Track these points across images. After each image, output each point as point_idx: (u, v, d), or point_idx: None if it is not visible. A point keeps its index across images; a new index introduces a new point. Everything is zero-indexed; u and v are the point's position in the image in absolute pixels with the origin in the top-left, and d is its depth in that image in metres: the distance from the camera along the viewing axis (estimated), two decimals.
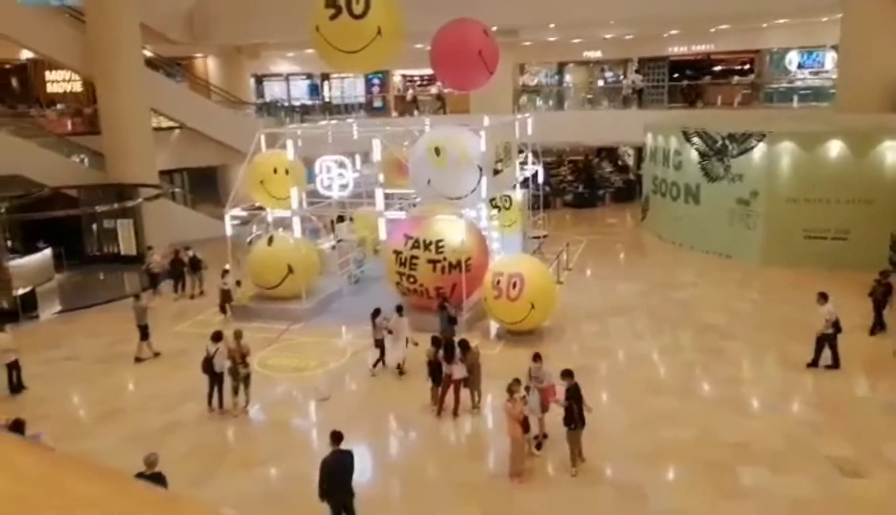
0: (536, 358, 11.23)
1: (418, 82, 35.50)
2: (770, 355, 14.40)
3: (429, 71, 34.88)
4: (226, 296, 17.25)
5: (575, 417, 10.07)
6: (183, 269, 19.96)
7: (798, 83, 28.14)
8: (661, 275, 20.25)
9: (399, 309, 14.30)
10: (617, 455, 10.77)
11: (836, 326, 13.19)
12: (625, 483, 10.09)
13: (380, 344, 14.07)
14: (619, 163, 35.18)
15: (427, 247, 15.88)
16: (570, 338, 15.70)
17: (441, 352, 12.14)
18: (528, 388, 10.64)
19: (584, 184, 31.53)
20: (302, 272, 17.41)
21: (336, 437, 8.70)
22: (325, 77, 34.98)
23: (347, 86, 35.02)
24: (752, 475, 10.07)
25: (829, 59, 28.29)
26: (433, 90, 34.74)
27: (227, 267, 17.71)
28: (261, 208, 18.54)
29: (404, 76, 34.70)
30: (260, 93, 33.71)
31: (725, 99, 29.67)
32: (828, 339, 13.29)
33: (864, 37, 20.75)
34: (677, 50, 31.63)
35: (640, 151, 32.67)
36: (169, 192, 25.92)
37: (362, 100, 33.95)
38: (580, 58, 33.69)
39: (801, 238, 20.02)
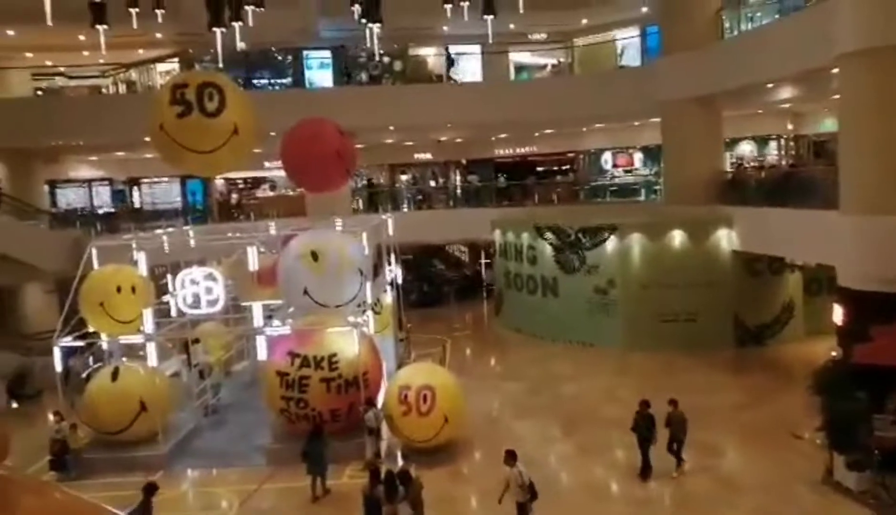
0: None
1: (241, 185, 33.34)
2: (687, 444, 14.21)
3: (253, 174, 33.23)
4: (62, 448, 13.61)
5: None
6: None
7: (617, 180, 30.60)
8: (538, 371, 19.92)
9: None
10: None
11: (532, 490, 10.35)
12: None
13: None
14: (451, 260, 35.39)
15: (319, 364, 13.95)
16: (486, 451, 14.42)
17: (380, 488, 10.32)
18: None
19: (426, 283, 31.04)
20: (157, 408, 14.46)
21: None
22: (134, 182, 31.55)
23: (160, 192, 31.80)
24: None
25: (637, 159, 31.29)
26: (259, 193, 32.90)
27: (58, 410, 14.23)
28: (95, 335, 15.37)
29: (227, 179, 32.36)
30: (54, 202, 29.35)
31: (547, 196, 31.24)
32: (522, 508, 10.35)
33: (682, 137, 23.07)
34: (503, 152, 33.14)
35: (474, 247, 33.19)
36: None
37: (178, 206, 30.91)
38: (411, 160, 34.01)
39: (657, 322, 20.99)
